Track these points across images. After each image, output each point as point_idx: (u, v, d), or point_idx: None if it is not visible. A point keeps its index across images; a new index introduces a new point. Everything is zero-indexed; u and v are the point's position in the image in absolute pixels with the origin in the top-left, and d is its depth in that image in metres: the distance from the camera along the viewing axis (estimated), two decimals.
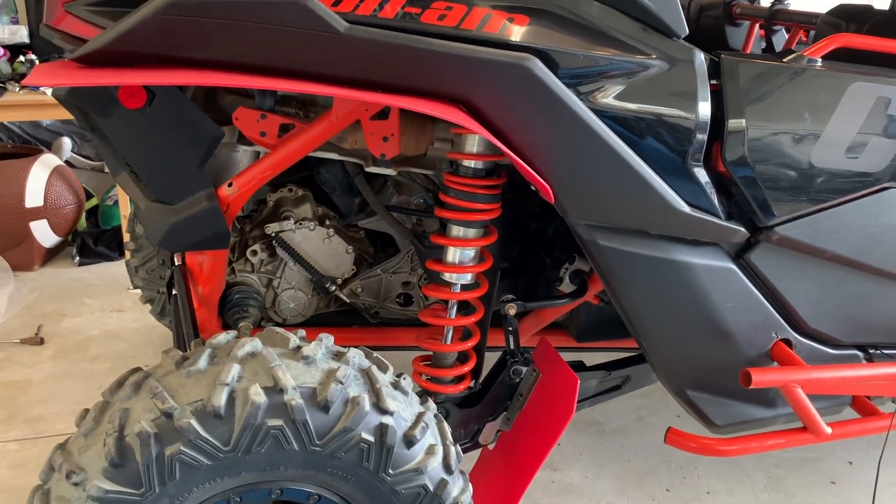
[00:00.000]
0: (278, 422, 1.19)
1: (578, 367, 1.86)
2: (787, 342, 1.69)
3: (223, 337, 1.33)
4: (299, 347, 1.31)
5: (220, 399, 1.17)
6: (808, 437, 1.69)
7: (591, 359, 1.97)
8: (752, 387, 1.56)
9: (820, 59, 1.53)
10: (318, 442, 1.22)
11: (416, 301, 2.17)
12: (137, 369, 1.31)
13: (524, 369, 1.75)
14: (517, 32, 1.32)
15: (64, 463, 1.19)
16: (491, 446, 1.85)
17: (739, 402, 1.71)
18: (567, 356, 1.77)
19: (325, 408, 1.22)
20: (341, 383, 1.25)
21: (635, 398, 2.63)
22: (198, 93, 1.65)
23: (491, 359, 1.85)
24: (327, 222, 2.05)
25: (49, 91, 3.48)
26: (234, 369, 1.22)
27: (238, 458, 1.20)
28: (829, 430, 1.66)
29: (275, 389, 1.20)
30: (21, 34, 3.83)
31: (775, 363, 1.68)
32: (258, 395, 1.18)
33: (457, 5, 1.30)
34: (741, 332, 1.63)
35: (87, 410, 1.28)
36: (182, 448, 1.16)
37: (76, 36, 1.34)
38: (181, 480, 1.19)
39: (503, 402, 1.78)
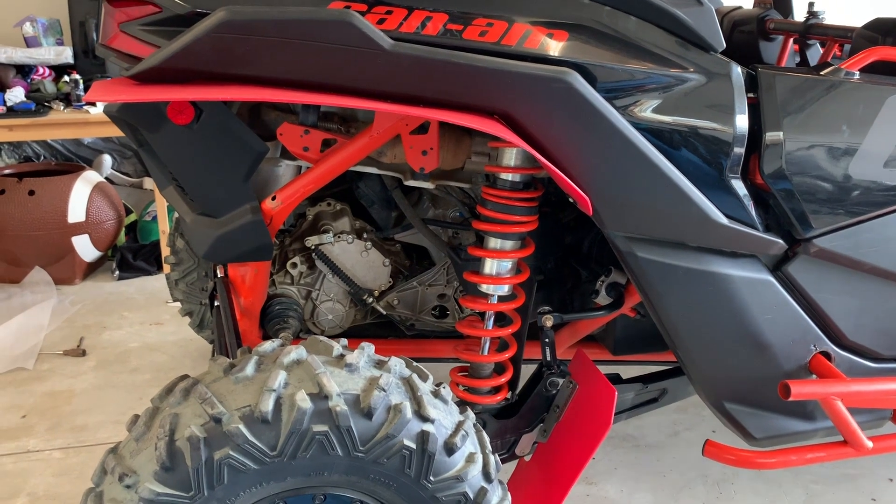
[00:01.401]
0: (323, 427, 1.22)
1: (615, 379, 1.87)
2: (826, 355, 1.68)
3: (269, 345, 1.36)
4: (342, 355, 1.34)
5: (268, 405, 1.20)
6: (849, 450, 1.67)
7: (626, 371, 1.97)
8: (790, 399, 1.56)
9: (857, 73, 1.54)
10: (361, 448, 1.25)
11: (452, 313, 2.19)
12: (186, 376, 1.34)
13: (561, 381, 1.76)
14: (557, 47, 1.35)
15: (116, 466, 1.23)
16: (527, 458, 1.86)
17: (778, 415, 1.71)
18: (603, 369, 1.77)
19: (369, 414, 1.24)
20: (384, 391, 1.27)
21: (671, 413, 2.63)
22: (242, 109, 1.70)
23: (527, 371, 1.87)
24: (365, 235, 2.09)
25: (91, 110, 3.57)
26: (281, 376, 1.24)
27: (284, 463, 1.23)
28: (869, 444, 1.65)
29: (320, 396, 1.23)
30: (66, 55, 3.92)
31: (814, 376, 1.67)
32: (304, 402, 1.21)
33: (498, 22, 1.33)
34: (780, 345, 1.63)
35: (137, 416, 1.31)
36: (230, 452, 1.19)
37: (131, 54, 1.39)
38: (229, 484, 1.22)
39: (540, 413, 1.80)
